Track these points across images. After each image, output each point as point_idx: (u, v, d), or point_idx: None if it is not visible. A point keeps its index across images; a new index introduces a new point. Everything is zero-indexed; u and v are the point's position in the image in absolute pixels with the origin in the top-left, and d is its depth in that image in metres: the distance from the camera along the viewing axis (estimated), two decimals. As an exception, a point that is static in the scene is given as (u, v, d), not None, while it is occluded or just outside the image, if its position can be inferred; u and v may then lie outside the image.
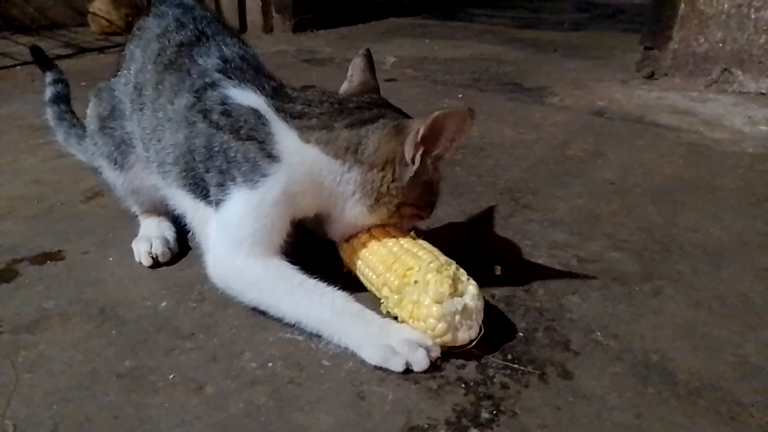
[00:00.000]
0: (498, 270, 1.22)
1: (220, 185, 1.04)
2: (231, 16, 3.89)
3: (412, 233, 1.12)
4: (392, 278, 1.02)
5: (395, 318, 1.02)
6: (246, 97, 1.07)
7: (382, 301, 1.04)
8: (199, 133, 1.06)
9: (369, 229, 1.11)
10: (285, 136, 1.04)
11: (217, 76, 1.10)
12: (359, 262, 1.10)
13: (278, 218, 1.04)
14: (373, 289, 1.08)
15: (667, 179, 1.73)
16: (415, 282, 0.98)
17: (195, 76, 1.11)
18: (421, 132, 1.01)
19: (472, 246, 1.26)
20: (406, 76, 2.92)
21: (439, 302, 0.94)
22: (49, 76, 1.71)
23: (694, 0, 2.58)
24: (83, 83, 2.53)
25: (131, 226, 1.36)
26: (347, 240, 1.14)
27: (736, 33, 2.53)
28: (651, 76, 2.79)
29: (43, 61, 1.74)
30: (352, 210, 1.08)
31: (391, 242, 1.08)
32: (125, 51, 1.29)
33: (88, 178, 1.66)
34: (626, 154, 1.93)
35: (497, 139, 2.04)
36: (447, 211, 1.46)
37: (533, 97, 2.59)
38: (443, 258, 1.02)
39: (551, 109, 2.42)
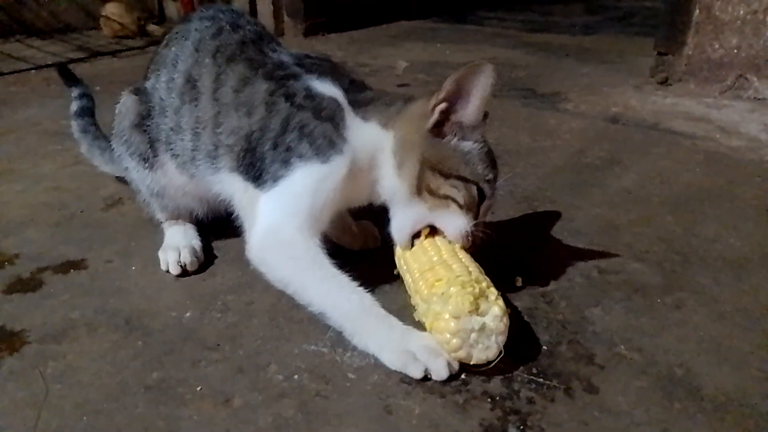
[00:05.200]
0: (519, 281, 1.22)
1: (285, 161, 1.10)
2: (243, 20, 3.90)
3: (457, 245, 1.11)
4: (423, 286, 1.03)
5: (425, 328, 1.02)
6: (326, 88, 1.15)
7: (415, 308, 1.05)
8: (279, 113, 1.13)
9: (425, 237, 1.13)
10: (353, 122, 1.13)
11: (297, 69, 1.19)
12: (403, 266, 1.12)
13: (337, 195, 1.10)
14: (410, 293, 1.09)
15: (685, 188, 1.72)
16: (442, 294, 0.98)
17: (271, 67, 1.20)
18: (446, 86, 1.06)
19: (493, 256, 1.26)
20: (419, 81, 2.93)
21: (456, 318, 0.94)
22: (75, 91, 1.79)
23: (709, 6, 2.57)
24: (97, 87, 2.56)
25: (153, 235, 1.38)
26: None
27: (751, 39, 2.52)
28: (665, 82, 2.78)
29: (69, 77, 1.83)
30: (388, 178, 1.12)
31: (433, 251, 1.08)
32: (162, 53, 1.32)
33: (108, 185, 1.68)
34: (643, 161, 1.92)
35: (513, 147, 2.04)
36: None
37: (547, 102, 2.59)
38: (476, 274, 1.01)
39: (566, 115, 2.42)
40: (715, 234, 1.45)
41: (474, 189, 1.10)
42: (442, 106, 1.08)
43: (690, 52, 2.69)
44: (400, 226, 1.14)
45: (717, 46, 2.61)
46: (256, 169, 1.13)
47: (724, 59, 2.61)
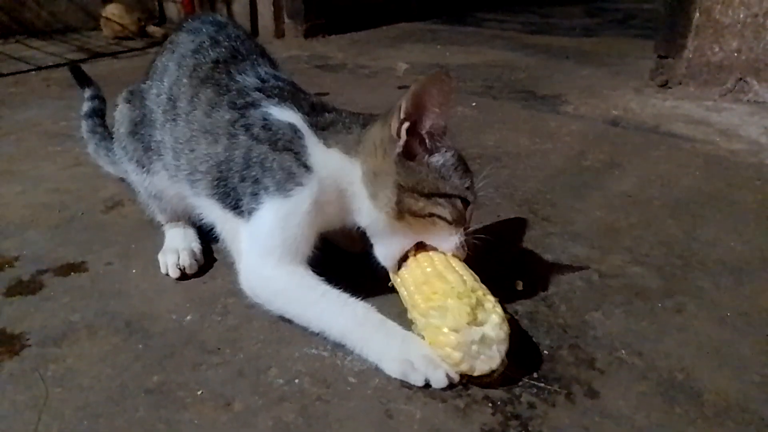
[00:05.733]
0: (520, 285, 1.21)
1: (254, 194, 1.09)
2: (243, 22, 3.90)
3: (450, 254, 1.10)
4: (420, 300, 1.02)
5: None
6: (284, 114, 1.13)
7: (414, 321, 1.04)
8: (240, 145, 1.11)
9: (415, 252, 1.10)
10: (315, 148, 1.10)
11: (258, 95, 1.16)
12: (398, 280, 1.12)
13: (307, 227, 1.08)
14: (407, 307, 1.09)
15: (685, 191, 1.72)
16: (439, 307, 0.97)
17: (235, 93, 1.17)
18: (404, 106, 1.01)
19: (493, 260, 1.26)
20: (419, 83, 2.92)
21: (456, 330, 0.93)
22: (87, 92, 1.82)
23: (709, 9, 2.57)
24: (99, 89, 2.55)
25: (153, 237, 1.38)
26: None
27: (751, 42, 2.52)
28: (665, 85, 2.78)
29: (82, 78, 1.86)
30: (363, 208, 1.09)
31: (426, 263, 1.07)
32: (156, 63, 1.33)
33: (108, 186, 1.68)
34: (643, 165, 1.92)
35: (513, 149, 2.04)
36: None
37: (547, 105, 2.59)
38: (471, 283, 1.00)
39: (566, 117, 2.42)
40: (715, 238, 1.45)
41: (458, 202, 1.07)
42: (406, 126, 1.03)
43: (690, 55, 2.69)
44: (387, 252, 1.12)
45: (717, 49, 2.61)
46: (230, 198, 1.13)
47: (724, 62, 2.61)
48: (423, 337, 1.00)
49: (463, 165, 1.11)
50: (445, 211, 1.06)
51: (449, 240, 1.08)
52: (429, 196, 1.05)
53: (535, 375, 0.99)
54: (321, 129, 1.11)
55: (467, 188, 1.09)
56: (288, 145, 1.09)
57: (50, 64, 3.26)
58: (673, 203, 1.65)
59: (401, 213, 1.05)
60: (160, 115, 1.25)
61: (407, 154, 1.05)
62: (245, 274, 1.12)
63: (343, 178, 1.09)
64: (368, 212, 1.09)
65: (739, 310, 1.17)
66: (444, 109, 1.03)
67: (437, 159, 1.07)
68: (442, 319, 0.95)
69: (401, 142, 1.04)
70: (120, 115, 1.35)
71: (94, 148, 1.71)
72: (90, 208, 1.57)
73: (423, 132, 1.05)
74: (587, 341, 1.07)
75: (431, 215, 1.06)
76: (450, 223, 1.07)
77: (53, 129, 2.21)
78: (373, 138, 1.08)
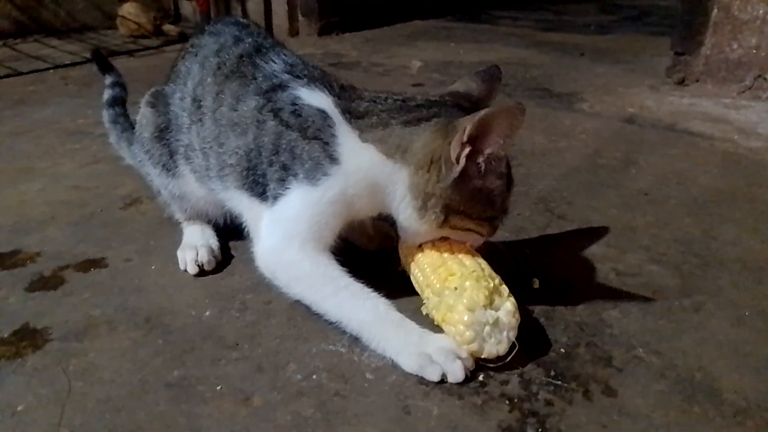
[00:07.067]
0: (536, 283, 1.22)
1: (281, 180, 1.08)
2: (257, 20, 3.91)
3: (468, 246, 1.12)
4: (435, 281, 1.04)
5: (433, 321, 1.03)
6: (314, 97, 1.10)
7: (424, 301, 1.06)
8: (269, 131, 1.10)
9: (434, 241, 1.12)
10: (347, 138, 1.07)
11: (286, 77, 1.15)
12: (412, 262, 1.13)
13: (333, 217, 1.08)
14: (418, 289, 1.10)
15: (703, 190, 1.71)
16: (455, 288, 1.00)
17: (261, 80, 1.16)
18: (468, 131, 0.97)
19: (509, 258, 1.26)
20: (433, 81, 2.92)
21: (471, 310, 0.96)
22: (108, 79, 1.77)
23: (727, 5, 2.54)
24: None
25: (171, 234, 1.39)
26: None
27: (771, 39, 2.49)
28: (682, 82, 2.76)
29: (103, 64, 1.81)
30: (405, 213, 1.08)
31: (444, 249, 1.10)
32: (178, 67, 1.33)
33: (126, 184, 1.70)
34: (659, 162, 1.91)
35: (528, 147, 2.03)
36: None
37: (562, 103, 2.58)
38: (488, 271, 1.03)
39: (581, 115, 2.41)
40: (734, 236, 1.44)
41: (496, 221, 1.11)
42: (467, 151, 0.99)
43: (708, 52, 2.66)
44: (413, 240, 1.13)
45: (735, 45, 2.58)
46: (259, 185, 1.12)
47: (742, 59, 2.58)
48: (432, 317, 1.03)
49: (507, 187, 1.10)
50: (483, 230, 1.10)
51: (477, 241, 1.13)
52: (474, 218, 1.07)
53: (552, 372, 0.99)
54: (356, 118, 1.08)
55: (506, 210, 1.12)
56: (317, 134, 1.06)
57: (68, 62, 3.30)
58: (690, 201, 1.63)
59: (443, 226, 1.07)
60: (186, 119, 1.26)
61: (461, 175, 1.02)
62: (265, 255, 1.11)
63: (380, 176, 1.06)
64: (409, 217, 1.08)
65: (757, 309, 1.16)
66: (508, 141, 1.00)
67: (489, 184, 1.05)
68: (457, 298, 0.97)
69: (459, 168, 1.00)
70: (143, 119, 1.35)
71: (115, 139, 1.69)
72: (109, 205, 1.59)
73: (481, 159, 1.01)
74: (604, 339, 1.07)
75: (470, 230, 1.09)
76: (483, 236, 1.12)
77: (71, 127, 2.23)
78: (428, 150, 1.03)
